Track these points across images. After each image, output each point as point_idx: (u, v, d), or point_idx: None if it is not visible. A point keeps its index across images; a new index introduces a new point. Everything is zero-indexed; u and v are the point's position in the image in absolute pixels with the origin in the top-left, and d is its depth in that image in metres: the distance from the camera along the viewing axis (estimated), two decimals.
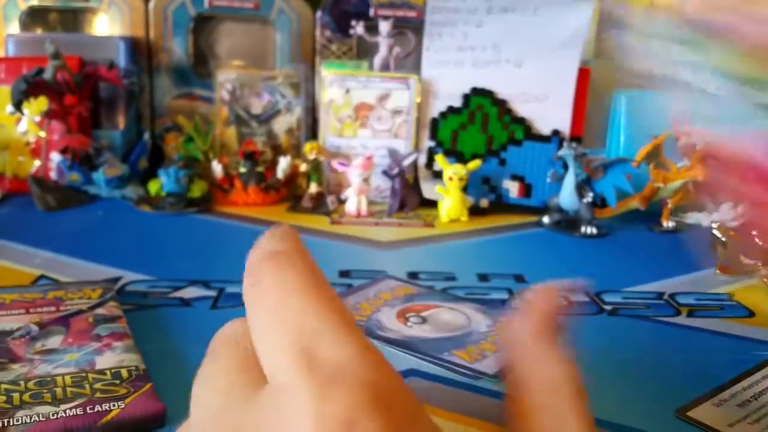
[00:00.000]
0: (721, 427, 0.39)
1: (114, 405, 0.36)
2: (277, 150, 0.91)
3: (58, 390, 0.37)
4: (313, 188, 0.84)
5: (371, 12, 0.93)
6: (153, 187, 0.82)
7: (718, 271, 0.63)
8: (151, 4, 0.94)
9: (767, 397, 0.42)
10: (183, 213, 0.78)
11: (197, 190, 0.81)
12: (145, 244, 0.68)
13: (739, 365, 0.46)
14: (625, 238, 0.74)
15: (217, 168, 0.85)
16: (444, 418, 0.39)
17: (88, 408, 0.35)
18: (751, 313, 0.55)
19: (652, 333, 0.51)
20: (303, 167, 0.86)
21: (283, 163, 0.85)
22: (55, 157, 0.82)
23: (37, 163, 0.84)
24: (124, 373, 0.39)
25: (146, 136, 0.90)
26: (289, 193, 0.87)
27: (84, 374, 0.39)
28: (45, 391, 0.37)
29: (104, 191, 0.82)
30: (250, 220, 0.78)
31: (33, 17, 0.96)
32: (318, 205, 0.83)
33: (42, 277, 0.58)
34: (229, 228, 0.75)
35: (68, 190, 0.81)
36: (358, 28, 0.90)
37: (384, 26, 0.89)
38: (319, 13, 0.93)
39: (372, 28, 0.91)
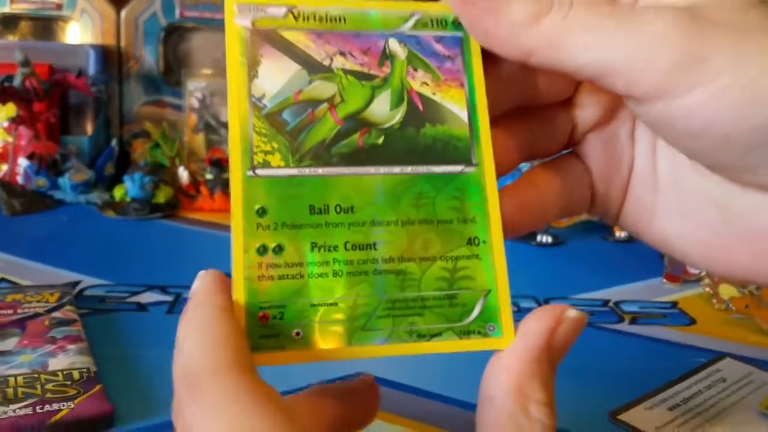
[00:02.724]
0: (649, 429, 0.41)
1: (63, 405, 0.37)
2: None
3: (9, 390, 0.38)
4: None
5: None
6: (118, 192, 0.83)
7: (665, 280, 0.66)
8: (123, 14, 0.95)
9: (696, 400, 0.44)
10: (147, 218, 0.79)
11: (162, 195, 0.82)
12: (107, 249, 0.70)
13: (675, 371, 0.48)
14: (579, 247, 0.76)
15: (183, 174, 0.86)
16: (394, 422, 0.41)
17: (37, 407, 0.37)
18: (693, 321, 0.57)
19: (594, 339, 0.53)
20: None
21: None
22: (23, 162, 0.83)
23: (4, 167, 0.85)
24: (76, 374, 0.41)
25: (114, 142, 0.91)
26: None
27: (36, 375, 0.40)
28: None
29: (70, 196, 0.83)
30: (214, 225, 0.79)
31: (5, 24, 0.97)
32: None
33: (2, 280, 0.59)
34: (193, 234, 0.77)
35: (34, 195, 0.82)
36: None
37: None
38: None
39: None
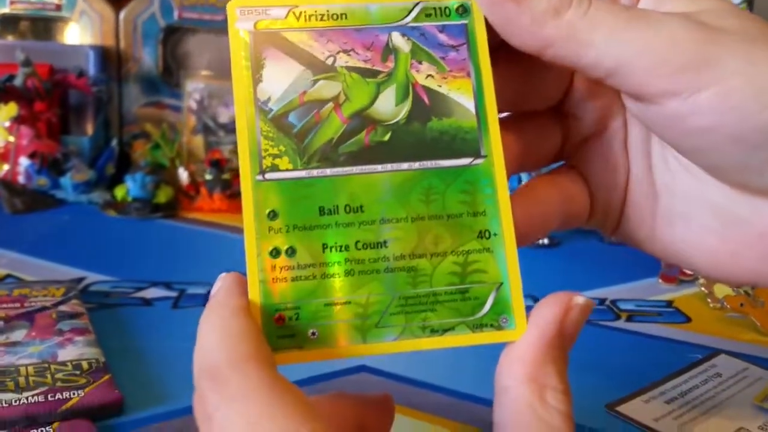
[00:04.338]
0: (647, 421, 0.42)
1: (74, 393, 0.38)
2: None
3: (21, 379, 0.39)
4: None
5: None
6: (119, 192, 0.84)
7: (660, 280, 0.67)
8: (122, 15, 0.96)
9: (693, 394, 0.45)
10: (148, 218, 0.80)
11: (163, 195, 0.83)
12: (110, 247, 0.70)
13: (671, 366, 0.48)
14: (576, 247, 0.77)
15: (183, 175, 0.86)
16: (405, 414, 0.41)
17: (49, 396, 0.37)
18: (688, 319, 0.58)
19: (591, 336, 0.54)
20: None
21: None
22: (24, 161, 0.84)
23: (5, 167, 0.85)
24: (85, 364, 0.41)
25: (114, 142, 0.92)
26: None
27: (46, 365, 0.41)
28: (8, 380, 0.39)
29: (71, 195, 0.83)
30: (214, 225, 0.80)
31: (5, 25, 0.97)
32: None
33: (8, 276, 0.59)
34: (194, 233, 0.77)
35: (36, 194, 0.83)
36: None
37: None
38: None
39: None
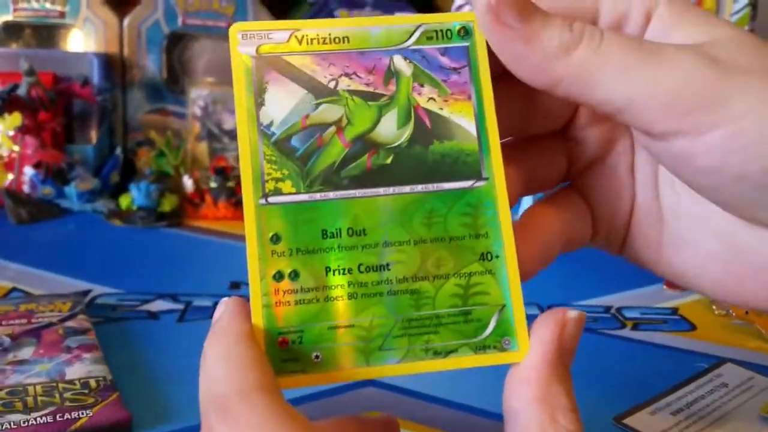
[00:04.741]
0: None
1: (82, 413, 0.38)
2: None
3: (29, 399, 0.39)
4: None
5: None
6: (124, 201, 0.84)
7: (665, 287, 0.67)
8: (126, 21, 0.96)
9: (699, 405, 0.45)
10: (153, 227, 0.80)
11: (168, 204, 0.83)
12: (115, 257, 0.70)
13: (677, 376, 0.48)
14: (580, 254, 0.76)
15: (188, 182, 0.87)
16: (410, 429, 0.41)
17: (57, 416, 0.38)
18: (694, 327, 0.58)
19: (597, 345, 0.54)
20: None
21: None
22: (29, 171, 0.84)
23: (10, 176, 0.85)
24: (93, 383, 0.41)
25: (118, 150, 0.92)
26: None
27: (54, 384, 0.41)
28: (17, 400, 0.39)
29: (76, 205, 0.84)
30: (219, 234, 0.80)
31: (8, 32, 0.97)
32: None
33: (14, 289, 0.59)
34: (199, 242, 0.77)
35: (40, 204, 0.83)
36: None
37: None
38: None
39: None
